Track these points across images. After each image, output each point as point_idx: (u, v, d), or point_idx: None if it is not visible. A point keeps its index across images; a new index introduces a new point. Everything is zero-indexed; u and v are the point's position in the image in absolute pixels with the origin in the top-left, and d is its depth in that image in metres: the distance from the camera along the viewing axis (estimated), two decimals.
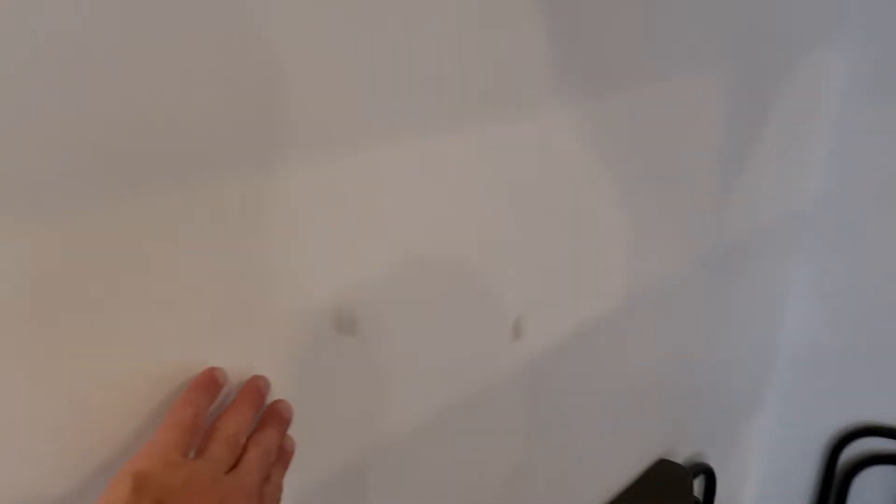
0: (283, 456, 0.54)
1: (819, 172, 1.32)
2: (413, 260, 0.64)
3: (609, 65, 0.79)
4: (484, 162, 0.68)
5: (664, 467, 1.19)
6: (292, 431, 0.56)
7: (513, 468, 0.88)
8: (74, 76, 0.41)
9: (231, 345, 0.53)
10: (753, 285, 1.29)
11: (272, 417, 0.53)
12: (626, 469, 1.14)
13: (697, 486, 1.34)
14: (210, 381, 0.49)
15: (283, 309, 0.55)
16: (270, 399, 0.55)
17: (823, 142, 1.30)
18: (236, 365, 0.53)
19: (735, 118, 1.04)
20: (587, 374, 0.95)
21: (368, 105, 0.57)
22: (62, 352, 0.44)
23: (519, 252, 0.76)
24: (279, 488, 0.52)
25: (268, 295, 0.54)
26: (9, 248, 0.41)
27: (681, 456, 1.28)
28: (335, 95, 0.54)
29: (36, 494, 0.45)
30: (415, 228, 0.64)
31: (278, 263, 0.54)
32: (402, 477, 0.74)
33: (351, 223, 0.58)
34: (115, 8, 0.41)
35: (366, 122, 0.57)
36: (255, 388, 0.53)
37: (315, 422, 0.61)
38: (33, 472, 0.45)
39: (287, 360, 0.57)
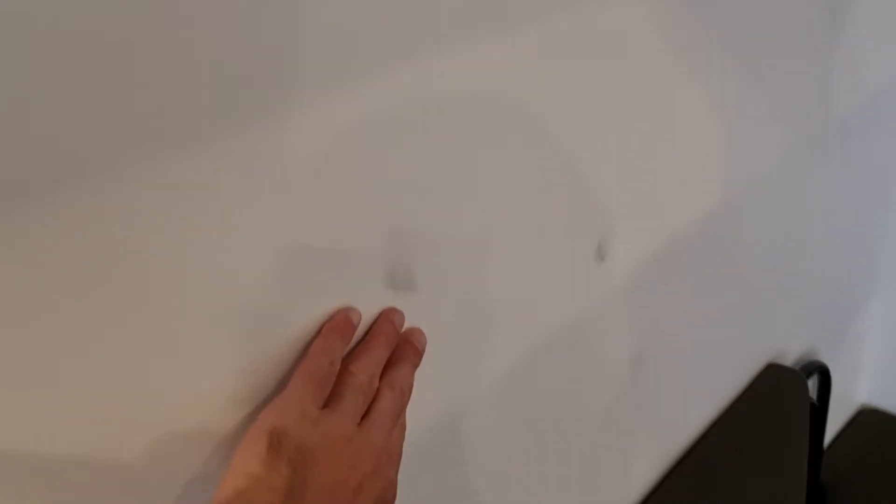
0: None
1: None
2: (476, 194, 0.55)
3: None
4: (548, 62, 0.57)
5: (774, 372, 1.09)
6: None
7: (615, 395, 0.81)
8: None
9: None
10: (864, 164, 1.15)
11: (406, 350, 0.51)
12: (734, 379, 1.05)
13: (811, 386, 1.24)
14: (345, 324, 0.47)
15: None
16: None
17: None
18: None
19: None
20: (685, 284, 0.85)
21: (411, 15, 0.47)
22: None
23: (594, 166, 0.66)
24: (403, 428, 0.50)
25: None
26: None
27: (791, 357, 1.18)
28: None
29: None
30: (476, 152, 0.54)
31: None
32: (500, 420, 0.67)
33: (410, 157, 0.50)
34: None
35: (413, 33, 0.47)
36: (390, 322, 0.50)
37: None
38: None
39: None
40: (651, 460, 0.93)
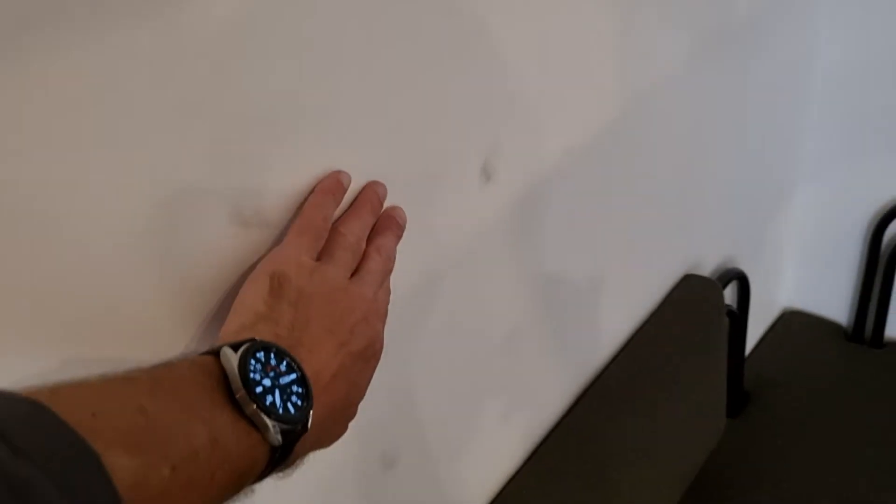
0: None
1: None
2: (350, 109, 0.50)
3: None
4: None
5: (691, 282, 1.09)
6: None
7: (522, 317, 0.78)
8: None
9: None
10: (772, 63, 1.12)
11: (390, 223, 0.54)
12: (651, 292, 1.04)
13: (731, 294, 1.25)
14: (336, 185, 0.50)
15: None
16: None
17: None
18: None
19: None
20: (589, 200, 0.82)
21: None
22: None
23: (476, 82, 0.61)
24: (388, 292, 0.53)
25: None
26: None
27: (709, 267, 1.18)
28: None
29: None
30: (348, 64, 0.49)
31: None
32: (400, 349, 0.64)
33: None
34: None
35: None
36: (375, 193, 0.53)
37: None
38: None
39: None
40: (569, 377, 0.92)
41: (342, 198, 0.51)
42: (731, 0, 0.95)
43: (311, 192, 0.50)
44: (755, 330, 1.45)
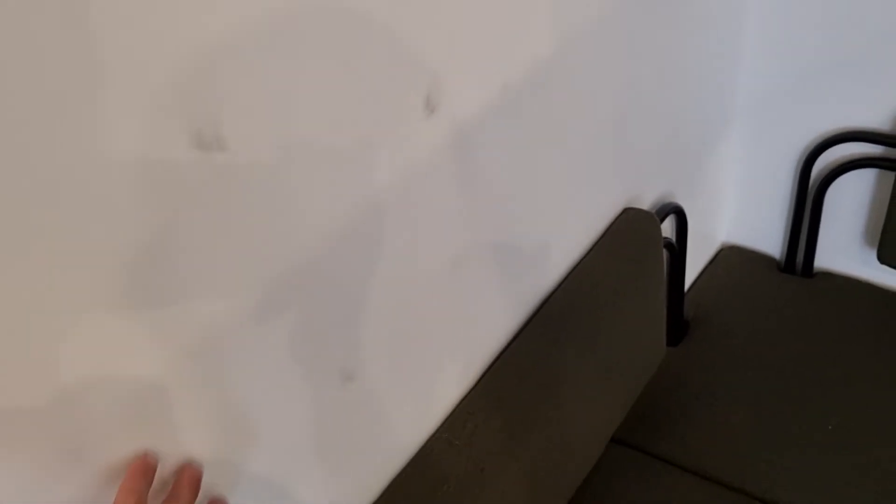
0: None
1: None
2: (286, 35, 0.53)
3: None
4: None
5: (630, 215, 1.14)
6: None
7: (462, 246, 0.82)
8: None
9: None
10: (708, 2, 1.16)
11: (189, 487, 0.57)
12: (590, 227, 1.09)
13: (668, 227, 1.31)
14: (146, 467, 0.54)
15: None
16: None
17: None
18: None
19: None
20: (526, 134, 0.86)
21: None
22: None
23: (418, 16, 0.64)
24: None
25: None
26: None
27: (647, 202, 1.23)
28: None
29: None
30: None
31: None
32: (343, 283, 0.68)
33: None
34: None
35: None
36: (191, 476, 0.58)
37: (220, 243, 0.54)
38: None
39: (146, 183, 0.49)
40: (512, 307, 0.97)
41: (153, 477, 0.55)
42: None
43: (123, 478, 0.53)
44: (695, 264, 1.53)
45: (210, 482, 0.61)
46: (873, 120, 1.31)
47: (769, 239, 1.56)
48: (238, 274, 0.58)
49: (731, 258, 1.59)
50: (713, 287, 1.52)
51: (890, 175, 1.33)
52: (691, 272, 1.50)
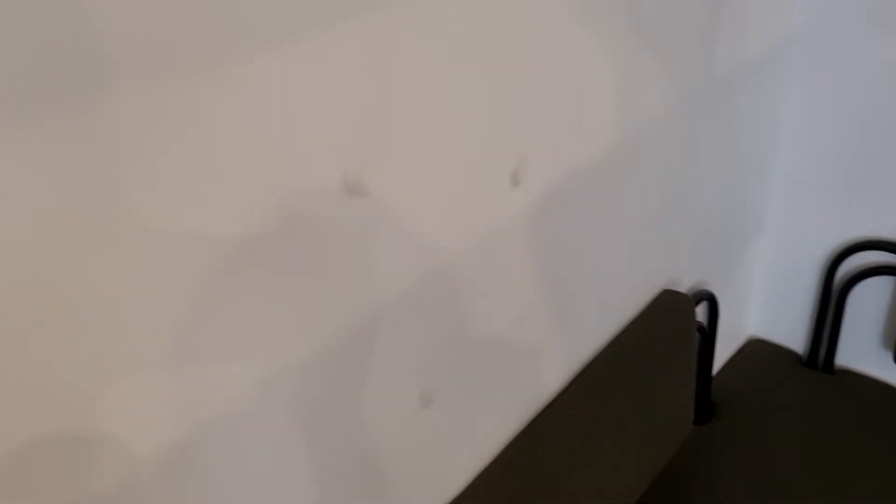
0: None
1: None
2: (411, 122, 0.68)
3: None
4: (464, 20, 0.70)
5: (668, 297, 1.26)
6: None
7: (520, 314, 0.95)
8: None
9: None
10: (747, 116, 1.32)
11: None
12: (632, 303, 1.22)
13: (701, 312, 1.43)
14: None
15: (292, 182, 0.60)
16: None
17: None
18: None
19: None
20: (588, 215, 1.00)
21: None
22: None
23: (509, 106, 0.79)
24: None
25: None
26: None
27: (684, 286, 1.36)
28: None
29: None
30: (411, 88, 0.67)
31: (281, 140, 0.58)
32: (413, 330, 0.81)
33: (350, 92, 0.62)
34: None
35: None
36: None
37: (326, 278, 0.68)
38: None
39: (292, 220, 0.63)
40: (560, 364, 1.09)
41: None
42: (712, 60, 1.15)
43: None
44: (724, 352, 1.63)
45: None
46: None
47: (794, 334, 1.67)
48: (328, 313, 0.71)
49: (757, 350, 1.70)
50: (740, 375, 1.63)
51: None
52: (719, 359, 1.61)
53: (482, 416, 0.97)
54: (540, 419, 1.06)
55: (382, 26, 0.63)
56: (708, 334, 1.44)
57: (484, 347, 0.91)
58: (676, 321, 1.27)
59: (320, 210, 0.64)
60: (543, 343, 1.03)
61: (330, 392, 0.72)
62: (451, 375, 0.87)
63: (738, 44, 1.19)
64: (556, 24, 0.81)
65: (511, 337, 0.95)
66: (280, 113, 0.57)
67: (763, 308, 1.69)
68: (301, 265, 0.64)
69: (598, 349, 1.16)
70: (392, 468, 0.84)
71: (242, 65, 0.53)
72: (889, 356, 1.51)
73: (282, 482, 0.71)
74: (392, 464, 0.84)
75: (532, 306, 0.97)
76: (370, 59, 0.63)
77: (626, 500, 1.23)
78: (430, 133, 0.71)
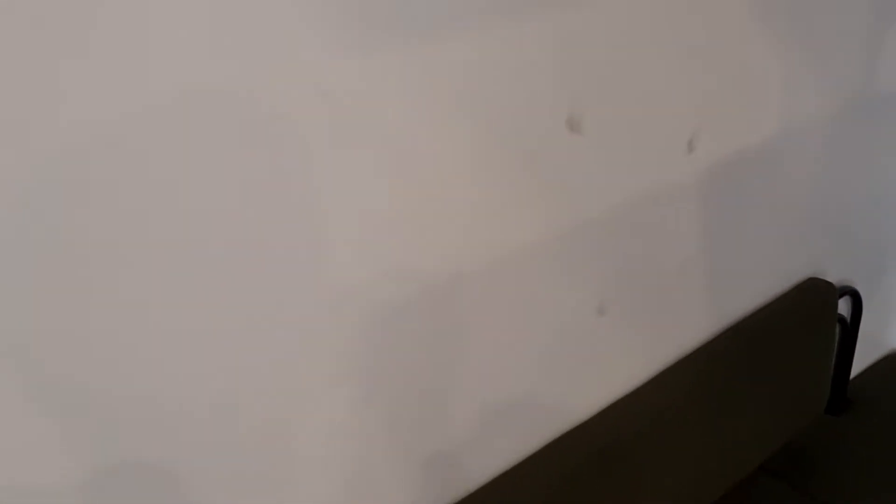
0: None
1: None
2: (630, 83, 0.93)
3: None
4: (661, 16, 0.94)
5: (813, 284, 1.42)
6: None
7: (683, 261, 1.16)
8: None
9: None
10: None
11: None
12: (778, 283, 1.39)
13: (844, 307, 1.56)
14: None
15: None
16: None
17: None
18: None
19: None
20: (749, 191, 1.20)
21: None
22: None
23: (691, 83, 1.02)
24: None
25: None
26: None
27: (829, 279, 1.50)
28: None
29: None
30: (639, 60, 0.92)
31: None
32: (592, 258, 1.04)
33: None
34: None
35: None
36: None
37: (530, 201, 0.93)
38: None
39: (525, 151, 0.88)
40: (705, 319, 1.28)
41: None
42: (876, 75, 1.31)
43: None
44: (866, 357, 1.74)
45: None
46: None
47: None
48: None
49: None
50: (878, 380, 1.72)
51: None
52: (861, 363, 1.72)
53: (637, 342, 1.18)
54: (681, 364, 1.25)
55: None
56: (850, 329, 1.56)
57: (648, 282, 1.13)
58: (818, 307, 1.41)
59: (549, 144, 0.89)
60: (694, 296, 1.22)
61: (538, 280, 0.97)
62: (620, 296, 1.10)
63: None
64: (738, 22, 1.03)
65: (670, 282, 1.16)
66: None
67: None
68: (529, 179, 0.90)
69: (740, 318, 1.33)
70: (566, 362, 1.08)
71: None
72: None
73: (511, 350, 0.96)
74: (567, 357, 1.07)
75: (692, 261, 1.17)
76: (614, 30, 0.88)
77: (753, 456, 1.38)
78: (639, 92, 0.95)
